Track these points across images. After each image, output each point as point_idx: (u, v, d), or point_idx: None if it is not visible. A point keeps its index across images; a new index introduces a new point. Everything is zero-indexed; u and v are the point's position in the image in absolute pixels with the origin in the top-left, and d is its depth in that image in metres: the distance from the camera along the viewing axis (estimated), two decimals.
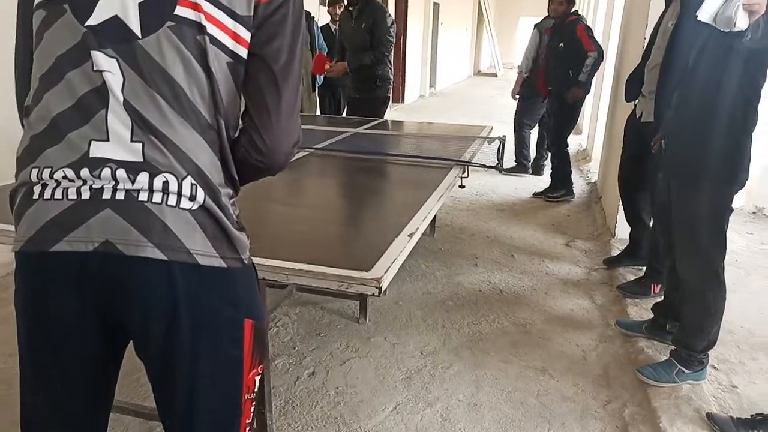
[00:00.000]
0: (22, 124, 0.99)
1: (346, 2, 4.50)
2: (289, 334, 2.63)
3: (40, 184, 0.92)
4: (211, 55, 0.92)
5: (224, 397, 1.04)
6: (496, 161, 2.60)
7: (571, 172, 5.03)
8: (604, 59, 4.84)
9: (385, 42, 4.15)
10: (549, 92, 4.87)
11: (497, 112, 9.77)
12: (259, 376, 1.10)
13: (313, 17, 5.25)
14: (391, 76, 4.38)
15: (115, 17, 0.90)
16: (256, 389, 1.09)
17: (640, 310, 2.92)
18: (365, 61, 4.15)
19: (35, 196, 0.92)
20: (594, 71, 4.63)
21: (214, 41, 0.92)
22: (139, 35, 0.90)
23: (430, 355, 2.50)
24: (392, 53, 4.33)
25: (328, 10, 5.63)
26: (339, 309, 2.86)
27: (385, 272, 1.39)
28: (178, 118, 0.91)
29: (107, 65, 0.90)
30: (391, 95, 4.52)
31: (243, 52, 0.96)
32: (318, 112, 5.59)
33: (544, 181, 5.40)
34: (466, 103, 11.96)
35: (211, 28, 0.92)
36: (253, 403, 1.10)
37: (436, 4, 12.79)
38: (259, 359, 1.08)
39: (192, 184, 0.93)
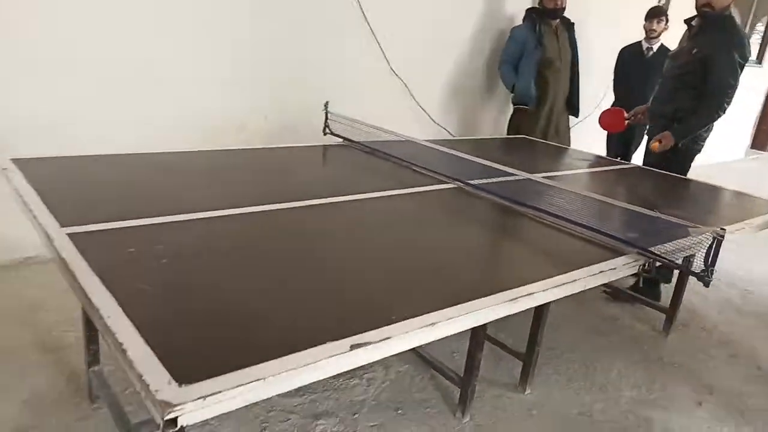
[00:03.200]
0: None
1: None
2: (368, 394, 2.16)
3: None
4: None
5: None
6: (704, 268, 1.51)
7: None
8: None
9: (725, 87, 2.85)
10: None
11: None
12: None
13: (573, 23, 4.32)
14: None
15: None
16: None
17: None
18: (683, 114, 2.95)
19: None
20: None
21: None
22: None
23: None
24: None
25: (644, 25, 4.58)
26: (445, 386, 2.22)
27: (201, 400, 0.85)
28: None
29: None
30: (700, 149, 3.17)
31: None
32: (570, 143, 4.55)
33: None
34: None
35: None
36: None
37: None
38: None
39: None
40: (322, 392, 2.13)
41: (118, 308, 1.05)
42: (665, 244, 1.68)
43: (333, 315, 1.19)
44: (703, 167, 7.00)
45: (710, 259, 1.55)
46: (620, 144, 4.58)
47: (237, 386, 0.89)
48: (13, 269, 2.78)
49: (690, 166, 3.21)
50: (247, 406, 1.94)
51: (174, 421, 0.83)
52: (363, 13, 3.71)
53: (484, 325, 1.98)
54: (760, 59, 7.96)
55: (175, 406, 0.83)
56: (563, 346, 2.63)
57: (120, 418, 1.69)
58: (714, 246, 1.54)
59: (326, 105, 2.92)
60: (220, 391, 0.87)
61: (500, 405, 2.17)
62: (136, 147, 2.42)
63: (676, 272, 2.89)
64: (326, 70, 3.67)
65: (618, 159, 3.86)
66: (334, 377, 2.21)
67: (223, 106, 3.28)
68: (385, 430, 1.98)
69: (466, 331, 1.41)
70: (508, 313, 1.34)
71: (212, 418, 1.92)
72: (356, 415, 2.04)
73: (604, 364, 2.53)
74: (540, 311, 2.17)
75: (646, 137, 3.39)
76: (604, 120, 3.71)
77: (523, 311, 1.38)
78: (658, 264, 1.65)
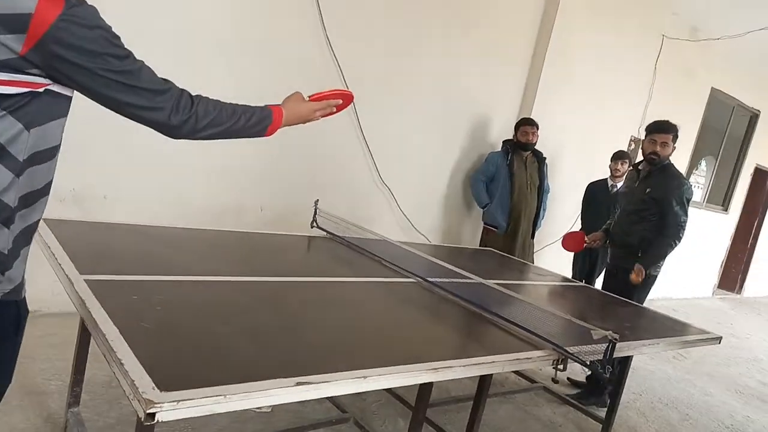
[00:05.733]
0: None
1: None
2: None
3: None
4: None
5: None
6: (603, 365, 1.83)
7: None
8: None
9: (680, 223, 3.42)
10: None
11: None
12: None
13: (545, 158, 4.93)
14: None
15: None
16: None
17: None
18: (646, 244, 3.48)
19: None
20: None
21: None
22: None
23: None
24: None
25: (609, 165, 5.18)
26: None
27: (175, 403, 1.13)
28: None
29: None
30: (658, 274, 3.61)
31: None
32: (534, 262, 4.96)
33: None
34: None
35: None
36: None
37: None
38: None
39: None
40: None
41: (119, 335, 1.36)
42: (582, 347, 2.00)
43: (287, 359, 1.49)
44: (669, 300, 7.40)
45: (607, 357, 1.87)
46: (584, 267, 4.99)
47: (203, 397, 1.19)
48: None
49: (647, 294, 3.60)
50: None
51: (152, 415, 1.12)
52: (362, 132, 4.29)
53: (425, 405, 2.26)
54: (726, 207, 8.64)
55: (155, 403, 1.12)
56: None
57: None
58: (609, 347, 1.87)
59: (316, 202, 3.33)
60: (190, 399, 1.17)
61: None
62: (148, 222, 2.80)
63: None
64: (322, 176, 4.17)
65: (582, 281, 4.24)
66: None
67: (227, 195, 3.73)
68: None
69: None
70: (429, 380, 1.64)
71: None
72: None
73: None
74: (477, 404, 2.43)
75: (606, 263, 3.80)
76: (566, 240, 4.13)
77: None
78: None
